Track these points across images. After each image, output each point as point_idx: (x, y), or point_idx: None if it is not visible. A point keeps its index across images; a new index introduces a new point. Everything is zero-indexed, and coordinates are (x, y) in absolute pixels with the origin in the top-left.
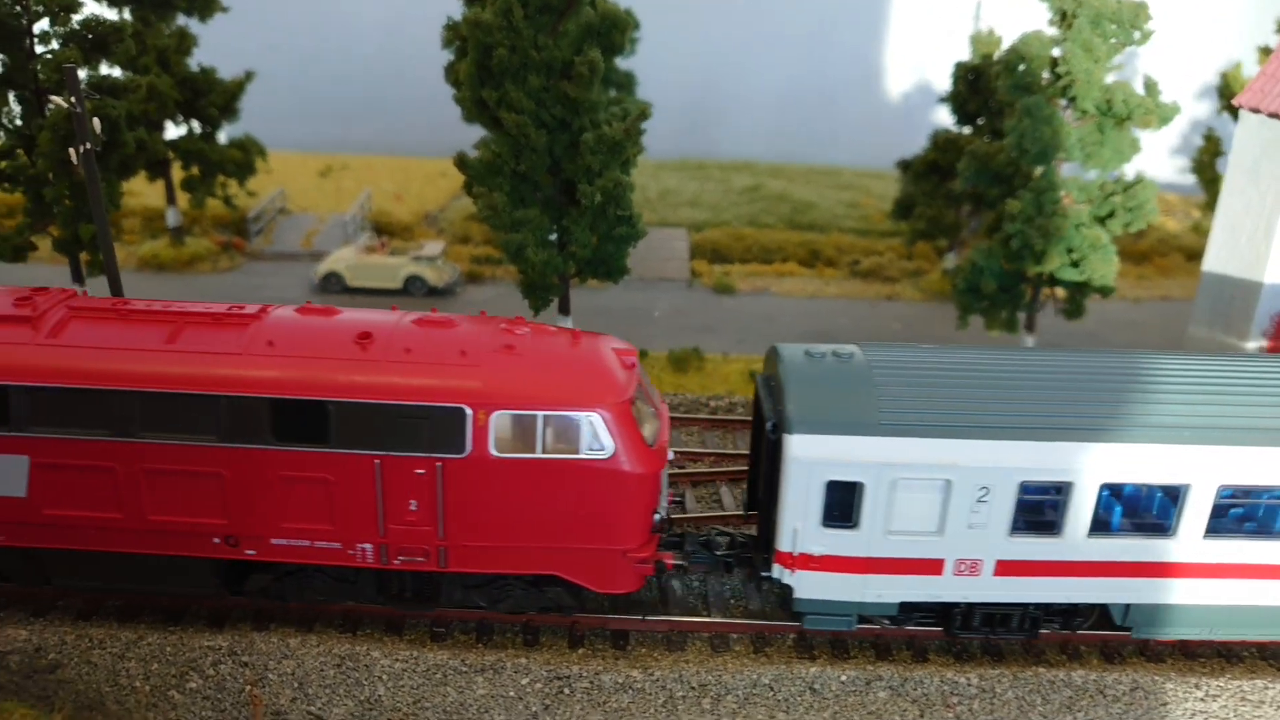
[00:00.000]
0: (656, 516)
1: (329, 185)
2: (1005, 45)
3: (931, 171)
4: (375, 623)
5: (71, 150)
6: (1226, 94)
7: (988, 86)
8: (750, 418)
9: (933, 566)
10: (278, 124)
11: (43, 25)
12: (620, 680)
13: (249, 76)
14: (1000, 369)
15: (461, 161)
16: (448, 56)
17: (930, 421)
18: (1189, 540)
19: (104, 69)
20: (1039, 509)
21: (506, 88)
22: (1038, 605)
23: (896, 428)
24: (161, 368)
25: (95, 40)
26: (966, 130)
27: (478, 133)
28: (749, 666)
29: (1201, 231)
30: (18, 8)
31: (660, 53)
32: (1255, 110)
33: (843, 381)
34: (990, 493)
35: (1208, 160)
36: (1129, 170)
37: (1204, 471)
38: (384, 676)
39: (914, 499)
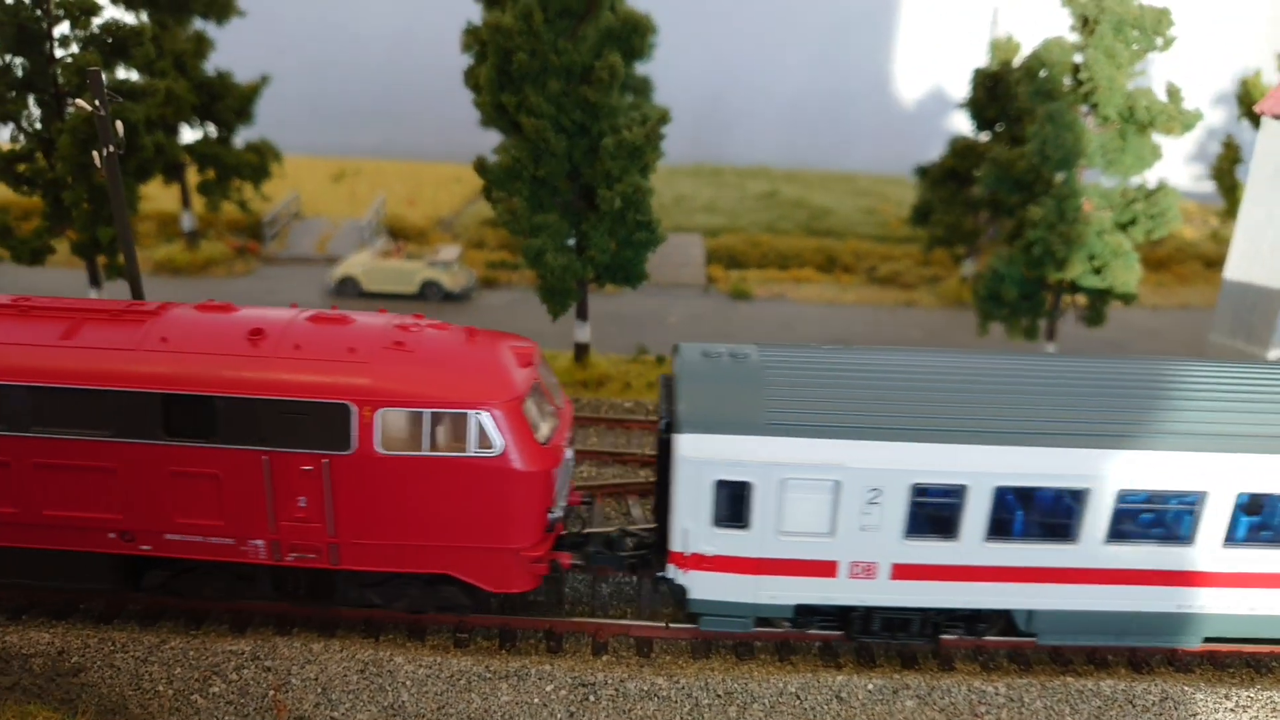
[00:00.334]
0: (551, 515)
1: (342, 189)
2: (1024, 51)
3: (949, 178)
4: (398, 628)
5: (95, 153)
6: (1246, 101)
7: (1007, 93)
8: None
9: (826, 569)
10: (290, 128)
11: (63, 29)
12: (645, 688)
13: (264, 80)
14: (899, 371)
15: (481, 166)
16: (460, 61)
17: (818, 422)
18: (1092, 545)
19: (121, 73)
20: (934, 512)
21: (526, 92)
22: (939, 610)
23: (784, 428)
24: (54, 363)
25: (115, 44)
26: (985, 137)
27: (490, 137)
28: (775, 674)
29: (1220, 239)
30: (38, 11)
31: (675, 58)
32: (1277, 117)
33: (733, 381)
34: (882, 494)
35: (1227, 167)
36: (1146, 178)
37: (1107, 475)
38: (407, 682)
39: (804, 500)
